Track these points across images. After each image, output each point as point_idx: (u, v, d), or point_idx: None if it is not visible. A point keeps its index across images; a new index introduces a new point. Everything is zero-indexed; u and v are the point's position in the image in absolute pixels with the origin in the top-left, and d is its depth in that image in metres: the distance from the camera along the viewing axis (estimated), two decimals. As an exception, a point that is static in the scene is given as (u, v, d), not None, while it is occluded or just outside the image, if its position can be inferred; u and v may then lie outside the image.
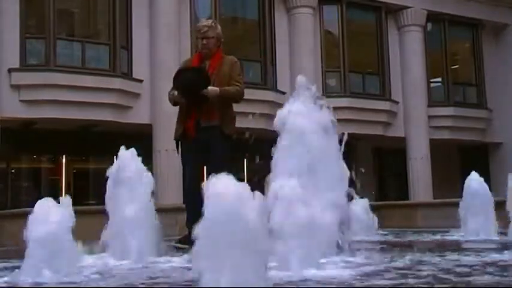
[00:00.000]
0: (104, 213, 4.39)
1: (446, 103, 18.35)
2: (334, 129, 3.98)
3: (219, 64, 5.48)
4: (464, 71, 19.77)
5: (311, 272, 3.04)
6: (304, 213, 3.18)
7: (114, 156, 4.50)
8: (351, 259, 3.66)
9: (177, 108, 5.54)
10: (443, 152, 18.59)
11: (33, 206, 3.36)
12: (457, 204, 6.33)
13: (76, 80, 12.82)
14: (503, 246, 4.83)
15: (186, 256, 4.06)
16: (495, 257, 3.91)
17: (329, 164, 3.85)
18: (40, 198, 3.41)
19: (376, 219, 7.35)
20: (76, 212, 3.40)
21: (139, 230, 4.28)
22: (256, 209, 1.96)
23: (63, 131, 14.04)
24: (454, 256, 3.99)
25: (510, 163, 18.92)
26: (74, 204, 3.47)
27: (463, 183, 6.32)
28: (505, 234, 5.75)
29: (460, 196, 6.32)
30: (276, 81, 15.80)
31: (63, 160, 15.13)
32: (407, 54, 17.70)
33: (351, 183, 3.96)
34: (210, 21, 5.79)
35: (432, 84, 18.51)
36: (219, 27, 5.64)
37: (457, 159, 19.91)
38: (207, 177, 5.37)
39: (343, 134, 3.99)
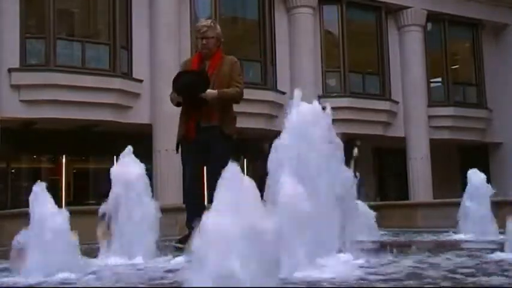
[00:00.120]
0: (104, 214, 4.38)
1: (446, 103, 18.35)
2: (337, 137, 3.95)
3: (219, 64, 5.47)
4: (464, 71, 19.77)
5: (310, 273, 3.03)
6: (305, 213, 3.17)
7: (114, 156, 4.50)
8: (352, 259, 3.65)
9: (177, 108, 5.54)
10: (443, 152, 18.59)
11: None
12: (457, 204, 6.33)
13: (76, 80, 12.81)
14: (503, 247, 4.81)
15: (186, 256, 4.06)
16: (495, 257, 3.90)
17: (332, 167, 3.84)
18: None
19: (376, 219, 7.33)
20: (76, 212, 3.40)
21: (140, 230, 4.28)
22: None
23: (63, 131, 14.04)
24: (454, 256, 3.98)
25: (510, 163, 18.94)
26: (74, 204, 3.47)
27: (463, 183, 6.32)
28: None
29: (460, 196, 6.32)
30: (276, 81, 15.79)
31: (63, 160, 15.13)
32: (407, 54, 17.70)
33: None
34: (209, 21, 5.78)
35: (432, 84, 18.51)
36: (218, 27, 5.63)
37: (457, 159, 19.90)
38: (207, 177, 5.38)
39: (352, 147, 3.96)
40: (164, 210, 4.54)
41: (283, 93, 15.48)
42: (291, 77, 15.86)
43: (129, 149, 4.51)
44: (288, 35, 16.16)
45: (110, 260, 4.15)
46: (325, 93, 16.10)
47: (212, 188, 2.24)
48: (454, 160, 19.76)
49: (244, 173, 2.09)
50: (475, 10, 18.71)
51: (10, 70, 12.57)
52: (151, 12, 14.16)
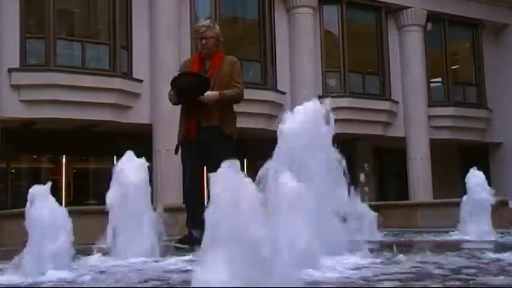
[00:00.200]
0: (104, 213, 4.38)
1: (446, 103, 18.36)
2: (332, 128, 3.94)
3: (219, 64, 5.47)
4: (464, 71, 19.78)
5: (313, 273, 3.03)
6: (306, 213, 3.17)
7: (115, 156, 4.50)
8: (352, 259, 3.65)
9: (177, 108, 5.54)
10: (443, 152, 18.59)
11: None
12: (457, 204, 6.33)
13: (76, 80, 12.82)
14: (503, 247, 4.82)
15: (186, 256, 4.06)
16: (495, 257, 3.90)
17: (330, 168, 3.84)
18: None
19: (376, 219, 7.33)
20: (76, 212, 3.39)
21: (140, 230, 4.27)
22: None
23: (63, 131, 14.04)
24: (455, 256, 3.98)
25: (510, 163, 18.95)
26: (74, 204, 3.47)
27: (463, 183, 6.32)
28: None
29: (460, 196, 6.32)
30: (276, 81, 15.80)
31: (63, 160, 15.14)
32: (407, 54, 17.71)
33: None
34: (208, 21, 5.78)
35: (432, 84, 18.51)
36: (217, 26, 5.64)
37: (457, 159, 19.90)
38: (207, 177, 5.38)
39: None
40: (164, 210, 4.54)
41: (283, 93, 15.49)
42: (291, 77, 15.87)
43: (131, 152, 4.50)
44: (288, 35, 16.16)
45: (110, 260, 4.14)
46: (325, 93, 16.10)
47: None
48: (454, 160, 19.77)
49: (244, 173, 2.08)
50: (475, 10, 18.71)
51: (10, 70, 12.57)
52: (151, 12, 14.17)
